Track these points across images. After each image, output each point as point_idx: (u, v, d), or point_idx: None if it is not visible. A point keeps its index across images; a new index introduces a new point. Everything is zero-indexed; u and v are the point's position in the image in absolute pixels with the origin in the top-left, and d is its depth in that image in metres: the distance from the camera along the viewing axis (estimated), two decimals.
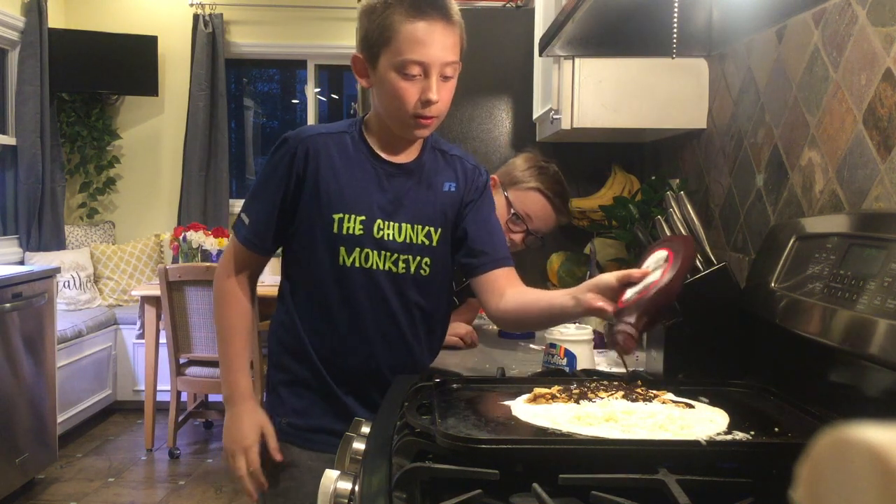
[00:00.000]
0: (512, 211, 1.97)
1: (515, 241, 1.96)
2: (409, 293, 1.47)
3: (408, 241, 1.46)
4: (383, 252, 1.44)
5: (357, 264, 1.43)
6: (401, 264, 1.45)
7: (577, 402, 1.07)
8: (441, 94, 1.36)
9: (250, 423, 1.48)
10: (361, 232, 1.42)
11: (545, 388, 1.14)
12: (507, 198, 1.97)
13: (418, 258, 1.47)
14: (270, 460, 1.49)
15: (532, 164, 2.04)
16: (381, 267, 1.44)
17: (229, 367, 1.52)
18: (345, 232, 1.42)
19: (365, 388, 1.48)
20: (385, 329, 1.47)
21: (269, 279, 4.58)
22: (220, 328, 1.54)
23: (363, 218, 1.42)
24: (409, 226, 1.45)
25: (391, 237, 1.44)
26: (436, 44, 1.33)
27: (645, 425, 0.97)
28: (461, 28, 1.39)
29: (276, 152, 1.46)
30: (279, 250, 1.55)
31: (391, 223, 1.44)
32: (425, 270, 1.48)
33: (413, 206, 1.46)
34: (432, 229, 1.48)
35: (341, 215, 1.42)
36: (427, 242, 1.47)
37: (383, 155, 1.46)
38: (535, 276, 2.70)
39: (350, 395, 1.49)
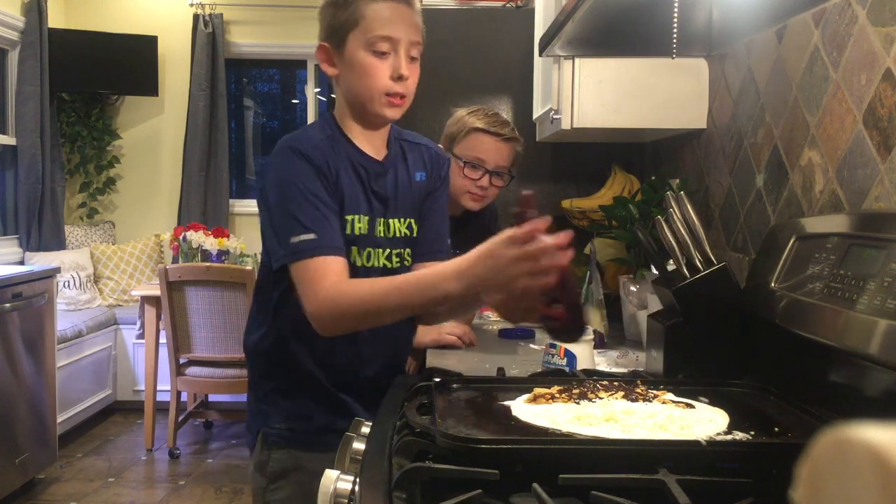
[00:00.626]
0: (463, 161, 1.95)
1: (483, 185, 1.97)
2: None
3: (397, 235, 1.49)
4: (379, 249, 1.46)
5: (359, 263, 1.43)
6: (394, 259, 1.48)
7: (577, 402, 1.07)
8: (410, 73, 1.40)
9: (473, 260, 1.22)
10: (366, 231, 1.44)
11: (545, 388, 1.14)
12: (454, 154, 1.95)
13: (404, 251, 1.50)
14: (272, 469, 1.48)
15: (461, 114, 2.05)
16: (378, 264, 1.46)
17: (427, 288, 1.25)
18: (356, 232, 1.42)
19: (357, 383, 1.48)
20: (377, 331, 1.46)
21: None
22: (383, 305, 1.30)
23: (368, 217, 1.44)
24: (396, 220, 1.48)
25: (383, 233, 1.47)
26: (402, 22, 1.38)
27: (645, 425, 0.97)
28: (420, 14, 1.44)
29: (296, 162, 1.38)
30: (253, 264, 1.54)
31: (383, 220, 1.47)
32: (408, 261, 1.51)
33: (396, 200, 1.48)
34: (412, 221, 1.51)
35: (352, 216, 1.42)
36: (409, 234, 1.51)
37: (368, 153, 1.47)
38: None
39: (344, 392, 1.48)
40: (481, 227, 2.04)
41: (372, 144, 1.47)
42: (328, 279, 1.31)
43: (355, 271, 1.41)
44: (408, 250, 1.51)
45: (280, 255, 1.36)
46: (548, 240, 1.15)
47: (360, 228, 1.43)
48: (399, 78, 1.38)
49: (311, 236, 1.33)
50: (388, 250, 1.47)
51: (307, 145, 1.40)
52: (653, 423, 0.98)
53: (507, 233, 1.17)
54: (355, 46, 1.38)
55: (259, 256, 5.43)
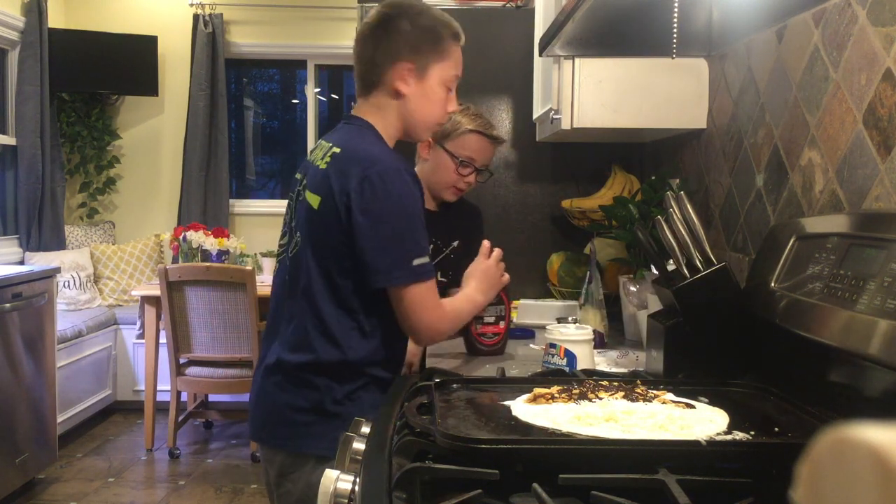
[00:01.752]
0: (459, 159, 2.06)
1: (470, 182, 2.11)
2: None
3: None
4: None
5: None
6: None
7: (576, 402, 1.07)
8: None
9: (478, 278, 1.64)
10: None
11: (545, 388, 1.14)
12: (447, 150, 2.06)
13: None
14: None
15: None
16: None
17: (471, 303, 1.61)
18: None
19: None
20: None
21: (270, 279, 4.58)
22: (463, 320, 1.61)
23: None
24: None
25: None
26: (461, 66, 1.59)
27: (645, 425, 0.97)
28: None
29: (411, 186, 1.45)
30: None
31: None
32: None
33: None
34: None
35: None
36: None
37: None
38: (535, 277, 2.70)
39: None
40: (468, 226, 2.21)
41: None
42: (438, 301, 1.48)
43: None
44: None
45: (395, 275, 1.42)
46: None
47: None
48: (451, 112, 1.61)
49: (427, 260, 1.44)
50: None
51: (403, 167, 1.46)
52: (653, 423, 0.98)
53: (481, 256, 1.66)
54: (436, 78, 1.53)
55: (259, 256, 5.39)
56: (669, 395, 1.13)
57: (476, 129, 2.07)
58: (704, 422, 1.00)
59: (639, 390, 1.14)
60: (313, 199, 1.47)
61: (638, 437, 0.94)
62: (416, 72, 1.51)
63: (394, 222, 1.41)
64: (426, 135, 1.62)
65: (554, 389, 1.13)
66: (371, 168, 1.41)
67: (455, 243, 2.16)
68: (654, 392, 1.14)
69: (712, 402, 1.11)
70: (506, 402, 1.11)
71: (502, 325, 1.85)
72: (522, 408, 1.07)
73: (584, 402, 1.07)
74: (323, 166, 1.48)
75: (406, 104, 1.53)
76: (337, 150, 1.48)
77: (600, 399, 1.09)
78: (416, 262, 1.41)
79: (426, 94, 1.52)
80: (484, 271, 1.61)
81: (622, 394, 1.11)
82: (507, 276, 1.66)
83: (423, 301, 1.43)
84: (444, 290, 2.02)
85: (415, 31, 1.50)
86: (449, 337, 1.67)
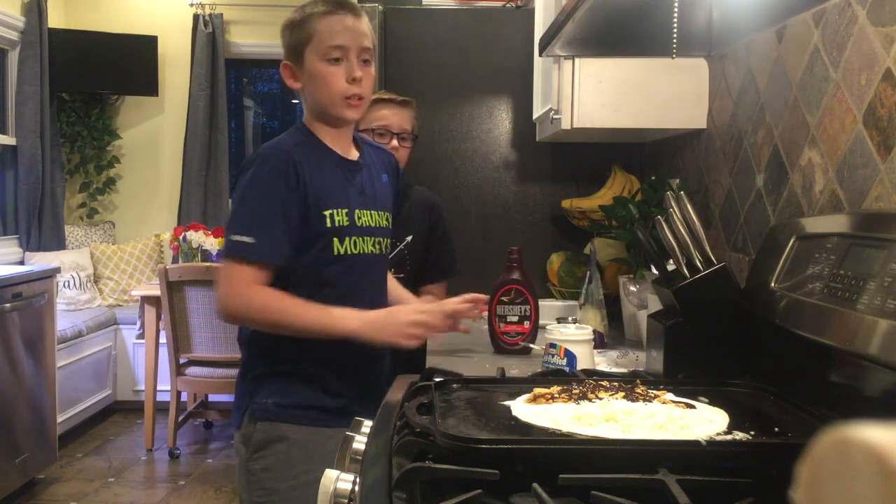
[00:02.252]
0: (372, 128, 2.07)
1: (396, 147, 2.08)
2: (384, 270, 1.74)
3: (379, 224, 1.67)
4: (366, 237, 1.62)
5: (344, 252, 1.58)
6: (376, 247, 1.66)
7: (577, 402, 1.07)
8: (364, 75, 1.58)
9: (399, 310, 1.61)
10: (347, 222, 1.58)
11: (545, 388, 1.14)
12: (359, 131, 2.01)
13: (385, 239, 1.70)
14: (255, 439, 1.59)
15: None
16: (366, 250, 1.62)
17: (327, 319, 1.51)
18: (336, 224, 1.57)
19: (337, 362, 1.61)
20: (369, 306, 1.59)
21: None
22: (281, 320, 1.52)
23: (346, 210, 1.59)
24: (376, 212, 1.66)
25: (367, 223, 1.63)
26: (349, 31, 1.57)
27: (645, 425, 0.97)
28: (367, 21, 1.62)
29: (265, 166, 1.54)
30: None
31: (365, 211, 1.63)
32: (387, 249, 1.72)
33: (372, 194, 1.66)
34: (388, 214, 1.71)
35: (330, 211, 1.57)
36: (387, 224, 1.71)
37: (341, 153, 1.64)
38: (535, 276, 2.70)
39: (324, 369, 1.60)
40: (424, 219, 2.17)
41: (342, 146, 1.65)
42: (244, 281, 1.49)
43: (342, 259, 1.58)
44: (387, 240, 1.71)
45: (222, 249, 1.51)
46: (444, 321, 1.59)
47: (339, 220, 1.57)
48: (353, 80, 1.56)
49: (249, 239, 1.48)
50: (373, 238, 1.64)
51: (276, 151, 1.56)
52: (653, 423, 0.98)
53: (416, 305, 1.66)
54: (312, 59, 1.57)
55: None
56: (669, 396, 1.13)
57: (378, 98, 2.02)
58: (704, 422, 1.00)
59: (639, 390, 1.14)
60: None
61: (638, 437, 0.94)
62: (295, 65, 1.61)
63: (235, 202, 1.56)
64: (340, 111, 1.59)
65: (554, 389, 1.13)
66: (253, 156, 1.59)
67: (409, 238, 2.14)
68: (654, 392, 1.14)
69: (712, 402, 1.11)
70: (506, 402, 1.11)
71: (527, 324, 1.86)
72: (522, 408, 1.07)
73: (584, 403, 1.07)
74: None
75: (305, 96, 1.63)
76: None
77: (600, 399, 1.09)
78: (235, 238, 1.49)
79: (312, 78, 1.58)
80: (397, 315, 1.55)
81: (622, 394, 1.11)
82: (425, 332, 1.56)
83: (227, 277, 1.51)
84: (414, 289, 2.02)
85: (284, 30, 1.64)
86: (255, 325, 1.58)
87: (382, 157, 1.78)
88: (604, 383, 1.18)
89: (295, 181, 1.52)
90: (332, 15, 1.57)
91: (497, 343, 1.88)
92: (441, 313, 1.56)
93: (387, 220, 1.70)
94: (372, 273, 1.67)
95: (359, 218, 1.61)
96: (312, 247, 1.56)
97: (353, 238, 1.59)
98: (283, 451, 1.57)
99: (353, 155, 1.67)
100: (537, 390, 1.12)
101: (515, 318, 1.86)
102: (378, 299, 1.67)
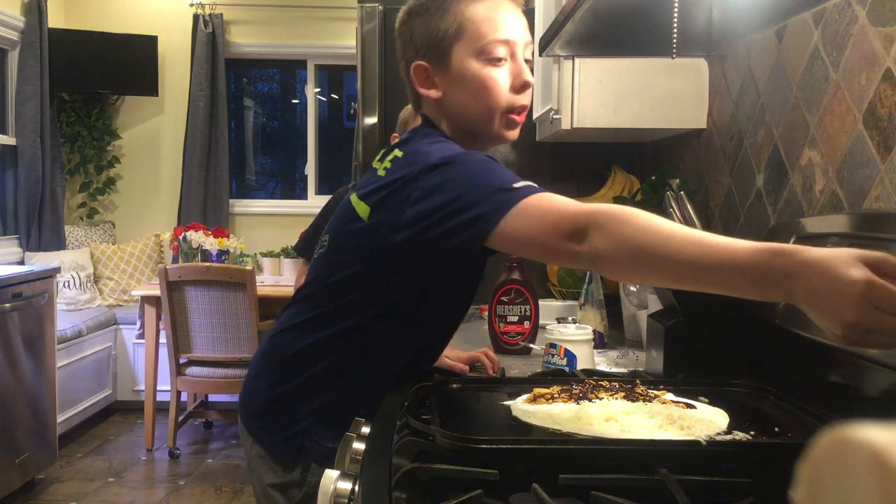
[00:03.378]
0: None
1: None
2: None
3: None
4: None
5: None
6: None
7: (577, 402, 1.07)
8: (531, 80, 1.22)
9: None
10: None
11: (545, 388, 1.14)
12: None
13: None
14: None
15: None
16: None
17: (723, 275, 0.87)
18: None
19: None
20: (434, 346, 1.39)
21: (270, 279, 4.59)
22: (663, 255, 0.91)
23: None
24: None
25: None
26: (514, 20, 1.21)
27: (645, 425, 0.97)
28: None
29: (485, 159, 1.13)
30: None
31: None
32: None
33: None
34: None
35: None
36: None
37: None
38: (535, 276, 2.70)
39: None
40: None
41: None
42: (565, 201, 1.05)
43: (464, 287, 1.31)
44: None
45: (487, 211, 1.04)
46: None
47: None
48: (523, 86, 1.21)
49: (526, 183, 1.08)
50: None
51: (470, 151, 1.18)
52: (653, 423, 0.98)
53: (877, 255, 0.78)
54: (464, 57, 1.19)
55: (259, 256, 5.40)
56: (669, 395, 1.13)
57: None
58: (704, 422, 1.00)
59: (639, 390, 1.14)
60: None
61: (638, 437, 0.94)
62: (434, 66, 1.22)
63: (448, 190, 1.14)
64: (499, 130, 1.23)
65: (554, 389, 1.13)
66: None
67: None
68: (654, 392, 1.14)
69: (712, 403, 1.11)
70: (506, 402, 1.11)
71: (527, 325, 1.86)
72: (522, 408, 1.07)
73: (584, 403, 1.07)
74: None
75: (445, 108, 1.24)
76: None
77: (600, 399, 1.09)
78: (515, 184, 1.09)
79: (461, 83, 1.20)
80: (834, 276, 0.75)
81: (622, 394, 1.11)
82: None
83: (542, 209, 1.07)
84: None
85: (414, 19, 1.23)
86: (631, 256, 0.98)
87: None
88: (603, 383, 1.18)
89: None
90: (482, 3, 1.19)
91: (497, 343, 1.88)
92: None
93: None
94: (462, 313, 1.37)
95: None
96: (460, 266, 1.20)
97: None
98: None
99: None
100: (537, 390, 1.12)
101: (515, 318, 1.86)
102: (442, 344, 1.38)
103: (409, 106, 1.81)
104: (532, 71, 1.26)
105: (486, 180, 1.07)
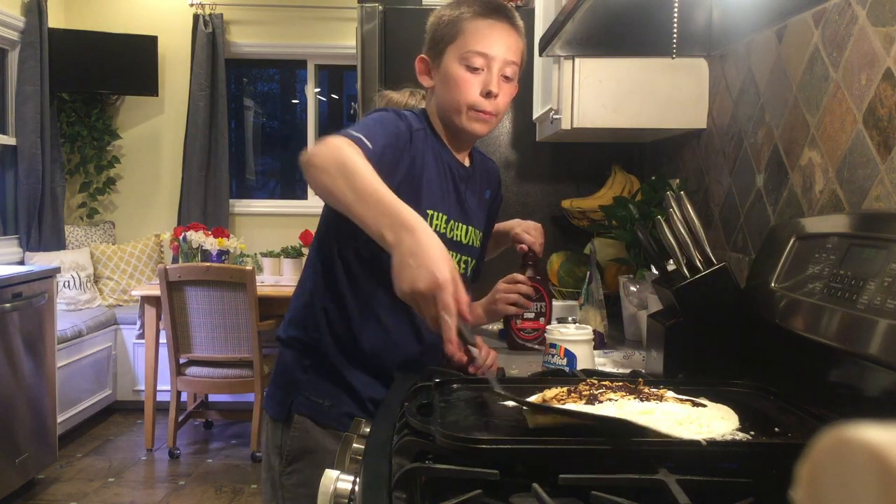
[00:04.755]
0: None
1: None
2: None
3: (470, 243, 1.52)
4: (452, 253, 1.36)
5: None
6: (461, 266, 1.50)
7: (590, 402, 1.06)
8: (501, 92, 1.42)
9: (441, 250, 1.10)
10: (443, 230, 1.44)
11: (552, 390, 1.13)
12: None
13: (471, 261, 1.55)
14: (292, 442, 1.45)
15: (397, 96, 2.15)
16: None
17: (377, 196, 1.13)
18: (435, 229, 1.35)
19: (388, 382, 1.42)
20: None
21: (270, 279, 4.59)
22: (343, 164, 1.16)
23: (446, 217, 1.45)
24: (472, 228, 1.52)
25: (459, 238, 1.49)
26: (500, 40, 1.41)
27: (668, 422, 0.96)
28: (523, 37, 1.46)
29: (393, 115, 1.39)
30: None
31: (460, 224, 1.49)
32: (471, 271, 1.57)
33: (471, 208, 1.52)
34: (481, 233, 1.57)
35: (433, 212, 1.42)
36: (478, 245, 1.56)
37: (456, 156, 1.50)
38: None
39: (374, 388, 1.45)
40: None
41: (459, 153, 1.51)
42: (339, 139, 1.21)
43: None
44: (474, 262, 1.56)
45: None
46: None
47: (437, 225, 1.43)
48: (488, 94, 1.40)
49: (365, 140, 1.24)
50: (458, 255, 1.48)
51: (410, 118, 1.42)
52: (674, 420, 0.97)
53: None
54: (451, 59, 1.42)
55: (259, 256, 5.40)
56: (671, 394, 1.13)
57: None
58: (717, 419, 1.00)
59: (645, 390, 1.13)
60: None
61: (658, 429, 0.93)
62: (432, 62, 1.46)
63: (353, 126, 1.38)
64: (465, 123, 1.43)
65: (561, 391, 1.12)
66: None
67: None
68: (659, 392, 1.14)
69: (714, 402, 1.11)
70: (507, 403, 1.11)
71: (542, 321, 1.87)
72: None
73: (598, 404, 1.06)
74: None
75: (434, 97, 1.48)
76: None
77: (613, 400, 1.08)
78: (348, 132, 1.27)
79: (445, 80, 1.43)
80: (443, 286, 1.07)
81: (633, 396, 1.11)
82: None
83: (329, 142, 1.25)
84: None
85: (432, 24, 1.47)
86: (319, 169, 1.20)
87: (490, 170, 1.63)
88: (605, 383, 1.18)
89: (407, 152, 1.37)
90: (484, 18, 1.41)
91: (513, 339, 1.87)
92: (486, 351, 1.35)
93: (479, 240, 1.56)
94: None
95: (451, 230, 1.47)
96: None
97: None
98: (319, 465, 1.29)
99: (466, 162, 1.54)
100: (547, 393, 1.11)
101: (532, 315, 1.86)
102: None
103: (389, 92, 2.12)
104: (518, 83, 1.48)
105: (357, 123, 1.33)
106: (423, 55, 1.48)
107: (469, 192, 1.52)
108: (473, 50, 1.40)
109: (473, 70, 1.40)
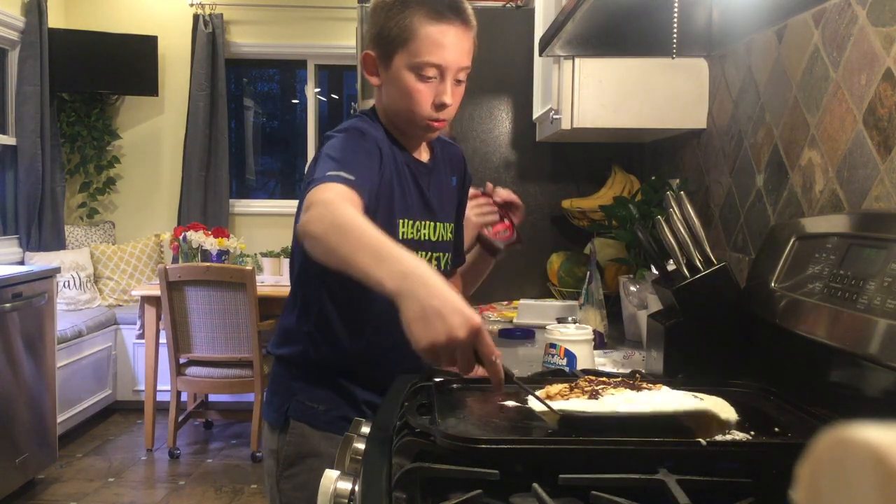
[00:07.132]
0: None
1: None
2: None
3: (440, 239, 1.49)
4: (421, 252, 1.41)
5: None
6: (433, 262, 1.47)
7: (593, 397, 1.06)
8: (453, 98, 1.38)
9: (454, 291, 0.99)
10: (412, 235, 1.42)
11: (555, 385, 1.13)
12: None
13: (445, 255, 1.51)
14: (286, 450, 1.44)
15: None
16: None
17: (382, 248, 1.02)
18: (406, 237, 1.39)
19: (382, 385, 1.40)
20: None
21: (270, 279, 4.59)
22: (337, 224, 1.07)
23: (412, 221, 1.43)
24: (440, 224, 1.49)
25: (428, 236, 1.46)
26: (454, 48, 1.34)
27: (671, 402, 0.96)
28: (474, 30, 1.40)
29: (357, 134, 1.33)
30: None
31: (427, 222, 1.46)
32: (446, 266, 1.53)
33: (437, 203, 1.48)
34: (451, 225, 1.53)
35: (403, 220, 1.40)
36: (449, 238, 1.52)
37: (414, 155, 1.46)
38: (535, 276, 2.70)
39: (368, 392, 1.45)
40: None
41: (409, 145, 1.46)
42: (334, 191, 1.15)
43: None
44: (448, 255, 1.52)
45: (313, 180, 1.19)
46: None
47: (404, 233, 1.40)
48: (441, 105, 1.36)
49: (346, 174, 1.18)
50: (429, 254, 1.45)
51: (370, 129, 1.36)
52: (677, 403, 0.97)
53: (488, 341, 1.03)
54: (401, 66, 1.35)
55: (259, 256, 5.40)
56: (666, 389, 1.13)
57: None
58: (720, 405, 0.99)
59: (644, 386, 1.13)
60: None
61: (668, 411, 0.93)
62: (380, 60, 1.38)
63: (323, 153, 1.32)
64: (418, 131, 1.41)
65: (564, 387, 1.12)
66: None
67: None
68: (656, 386, 1.13)
69: None
70: (508, 403, 1.11)
71: (507, 222, 1.76)
72: (539, 405, 1.05)
73: (602, 399, 1.06)
74: None
75: (382, 95, 1.42)
76: None
77: (616, 393, 1.07)
78: (330, 172, 1.20)
79: (395, 86, 1.37)
80: (455, 330, 0.94)
81: (633, 392, 1.10)
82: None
83: (312, 192, 1.18)
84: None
85: (378, 11, 1.38)
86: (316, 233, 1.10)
87: (452, 155, 1.57)
88: (603, 379, 1.17)
89: (384, 163, 1.34)
90: (438, 23, 1.33)
91: (492, 246, 1.73)
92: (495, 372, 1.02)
93: (451, 232, 1.52)
94: None
95: (418, 230, 1.44)
96: None
97: (418, 253, 1.31)
98: (315, 469, 1.34)
99: (425, 157, 1.49)
100: (550, 389, 1.11)
101: (498, 217, 1.75)
102: None
103: None
104: (463, 84, 1.41)
105: (329, 155, 1.25)
106: (368, 51, 1.39)
107: (433, 186, 1.48)
108: (426, 61, 1.33)
109: (426, 79, 1.35)
